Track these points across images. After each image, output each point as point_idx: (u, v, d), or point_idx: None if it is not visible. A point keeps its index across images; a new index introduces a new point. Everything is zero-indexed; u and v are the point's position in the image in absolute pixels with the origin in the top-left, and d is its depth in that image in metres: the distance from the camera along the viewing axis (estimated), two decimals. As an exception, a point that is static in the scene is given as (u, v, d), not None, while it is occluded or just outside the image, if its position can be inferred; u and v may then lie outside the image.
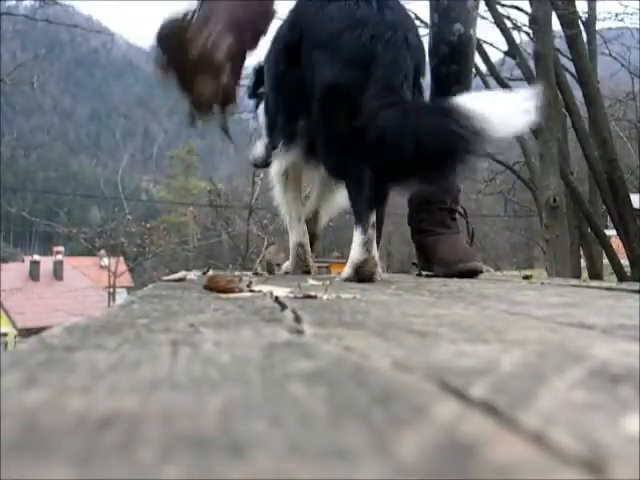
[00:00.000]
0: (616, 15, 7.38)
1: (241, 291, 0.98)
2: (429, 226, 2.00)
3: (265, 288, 1.01)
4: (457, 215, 2.09)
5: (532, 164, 6.64)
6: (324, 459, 0.21)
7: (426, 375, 0.33)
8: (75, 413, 0.26)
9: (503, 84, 6.55)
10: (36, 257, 24.81)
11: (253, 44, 1.58)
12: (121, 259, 18.56)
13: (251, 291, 1.00)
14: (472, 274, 1.82)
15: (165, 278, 1.40)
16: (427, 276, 1.95)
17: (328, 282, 1.25)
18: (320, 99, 1.57)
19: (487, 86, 6.35)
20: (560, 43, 6.20)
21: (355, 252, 1.52)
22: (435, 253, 1.95)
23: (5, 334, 19.57)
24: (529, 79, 5.74)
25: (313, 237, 1.95)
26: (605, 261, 6.44)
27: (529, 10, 5.74)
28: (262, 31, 1.62)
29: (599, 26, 7.27)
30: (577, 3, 5.76)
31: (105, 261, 18.86)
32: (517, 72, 6.91)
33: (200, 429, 0.24)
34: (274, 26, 1.70)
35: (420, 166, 1.45)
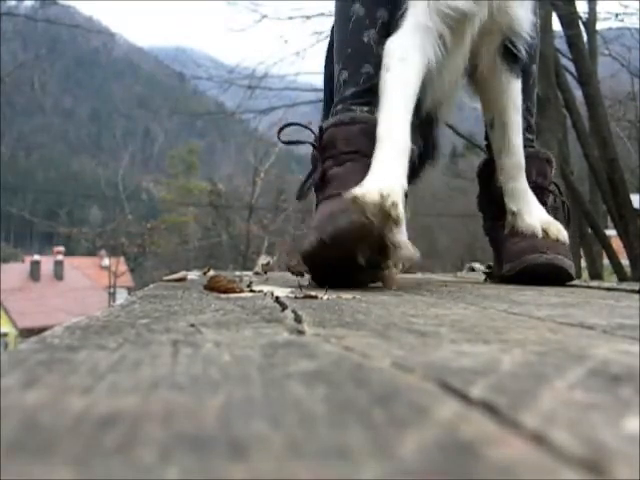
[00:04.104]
0: (616, 15, 7.36)
1: (241, 291, 0.98)
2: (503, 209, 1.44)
3: (265, 288, 1.01)
4: (550, 196, 1.52)
5: (532, 164, 6.66)
6: (324, 459, 0.21)
7: (426, 375, 0.33)
8: (75, 413, 0.26)
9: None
10: (36, 257, 24.86)
11: None
12: (121, 259, 18.59)
13: (251, 291, 1.00)
14: (552, 272, 1.29)
15: (165, 278, 1.40)
16: (491, 280, 1.48)
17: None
18: None
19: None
20: (560, 43, 6.19)
21: None
22: (505, 245, 1.42)
23: (6, 334, 19.59)
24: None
25: None
26: (605, 261, 6.44)
27: (529, 10, 5.73)
28: None
29: (599, 26, 7.26)
30: (577, 3, 5.76)
31: (106, 261, 18.89)
32: (517, 72, 6.90)
33: (200, 429, 0.24)
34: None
35: None
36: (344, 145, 1.29)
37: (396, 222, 1.03)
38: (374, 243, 1.03)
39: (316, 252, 1.07)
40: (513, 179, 1.42)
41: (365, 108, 1.34)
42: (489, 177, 1.49)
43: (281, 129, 1.39)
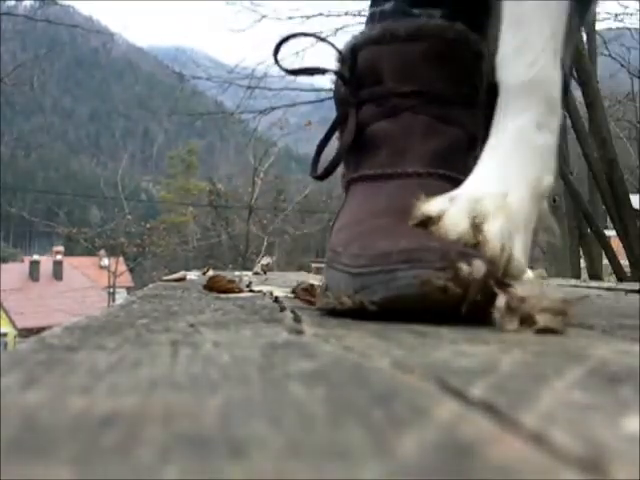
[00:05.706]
0: (616, 16, 7.35)
1: (241, 291, 0.98)
2: None
3: (265, 288, 1.01)
4: None
5: (532, 164, 6.63)
6: (324, 459, 0.21)
7: (426, 375, 0.33)
8: (75, 413, 0.26)
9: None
10: (36, 257, 24.86)
11: None
12: (121, 259, 18.59)
13: (251, 291, 1.00)
14: None
15: (165, 278, 1.40)
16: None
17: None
18: None
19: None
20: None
21: None
22: None
23: (5, 334, 19.58)
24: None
25: None
26: (605, 261, 6.43)
27: (529, 10, 5.72)
28: None
29: (598, 26, 7.24)
30: (577, 3, 5.75)
31: (105, 261, 18.89)
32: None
33: (200, 429, 0.24)
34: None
35: None
36: (397, 79, 0.72)
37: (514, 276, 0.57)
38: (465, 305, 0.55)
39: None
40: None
41: (437, 12, 0.75)
42: None
43: (279, 45, 0.79)
